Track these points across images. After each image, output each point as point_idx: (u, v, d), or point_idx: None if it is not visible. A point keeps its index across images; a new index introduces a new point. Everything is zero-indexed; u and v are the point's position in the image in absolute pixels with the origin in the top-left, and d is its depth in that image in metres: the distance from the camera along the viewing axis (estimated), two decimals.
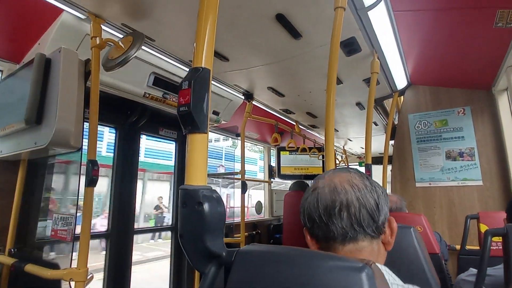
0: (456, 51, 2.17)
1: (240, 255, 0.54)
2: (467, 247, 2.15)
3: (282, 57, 2.02)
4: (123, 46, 1.54)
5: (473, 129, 2.52)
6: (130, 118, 2.49)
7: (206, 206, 0.58)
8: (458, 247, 2.33)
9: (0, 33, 1.73)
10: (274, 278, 0.47)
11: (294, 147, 3.69)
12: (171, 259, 2.84)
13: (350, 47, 1.88)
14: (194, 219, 0.58)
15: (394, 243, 0.68)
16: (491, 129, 2.47)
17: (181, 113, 0.62)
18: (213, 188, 0.61)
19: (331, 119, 1.35)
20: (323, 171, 4.46)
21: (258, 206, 4.16)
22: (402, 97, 3.00)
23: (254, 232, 3.83)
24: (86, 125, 1.50)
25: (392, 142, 2.95)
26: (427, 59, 2.40)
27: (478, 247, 2.11)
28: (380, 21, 1.73)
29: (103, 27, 1.60)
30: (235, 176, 3.48)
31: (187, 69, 2.33)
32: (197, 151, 0.63)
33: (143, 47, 1.92)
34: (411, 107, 2.85)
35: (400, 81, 2.67)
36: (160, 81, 2.25)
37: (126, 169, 2.47)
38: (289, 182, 4.85)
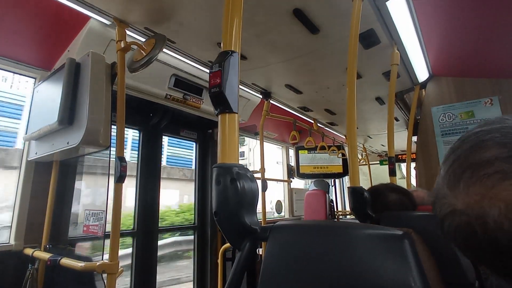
0: (480, 38, 2.09)
1: (276, 230, 0.55)
2: None
3: (300, 53, 2.03)
4: (146, 48, 1.61)
5: None
6: (152, 120, 2.57)
7: (240, 183, 0.59)
8: None
9: (32, 42, 1.85)
10: (312, 249, 0.48)
11: (312, 145, 3.66)
12: (194, 257, 2.89)
13: (368, 39, 1.86)
14: (228, 195, 0.60)
15: (423, 233, 0.63)
16: None
17: (212, 94, 0.65)
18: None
19: (353, 114, 1.35)
20: (343, 169, 4.40)
21: (278, 206, 4.16)
22: (423, 90, 2.92)
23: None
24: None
25: (414, 138, 2.87)
26: (450, 49, 2.33)
27: None
28: (399, 10, 1.70)
29: (126, 31, 1.67)
30: (255, 175, 3.50)
31: (207, 71, 2.40)
32: (229, 130, 0.65)
33: (164, 50, 1.99)
34: (434, 99, 2.77)
35: (422, 73, 2.61)
36: (180, 83, 2.31)
37: (150, 170, 2.55)
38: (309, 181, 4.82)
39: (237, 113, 0.67)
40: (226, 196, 0.60)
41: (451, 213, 0.41)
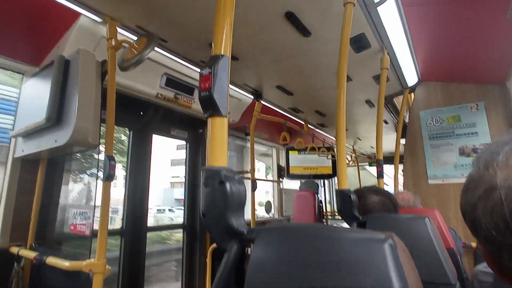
0: (468, 45, 2.15)
1: (262, 232, 0.56)
2: None
3: (291, 54, 2.04)
4: (137, 47, 1.60)
5: (487, 125, 2.48)
6: (143, 119, 2.55)
7: (227, 185, 0.61)
8: (474, 244, 2.29)
9: (20, 37, 1.81)
10: (297, 252, 0.49)
11: (303, 146, 3.69)
12: (182, 256, 2.88)
13: (359, 43, 1.89)
14: (216, 197, 0.61)
15: (408, 234, 0.67)
16: (507, 124, 2.43)
17: (202, 97, 0.66)
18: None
19: (342, 116, 1.37)
20: (333, 170, 4.44)
21: (268, 206, 4.18)
22: (412, 94, 2.98)
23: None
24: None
25: (403, 141, 2.93)
26: (438, 54, 2.38)
27: None
28: (390, 16, 1.73)
29: (118, 29, 1.66)
30: (245, 175, 3.51)
31: (198, 70, 2.40)
32: (217, 133, 0.66)
33: (155, 48, 1.98)
34: (422, 103, 2.83)
35: (411, 78, 2.66)
36: (172, 82, 2.31)
37: (139, 169, 2.53)
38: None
39: (226, 116, 0.68)
40: (213, 198, 0.61)
41: (487, 192, 0.39)
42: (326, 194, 5.53)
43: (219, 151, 0.66)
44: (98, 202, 1.43)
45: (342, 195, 1.17)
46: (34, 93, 1.69)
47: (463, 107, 2.61)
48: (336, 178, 5.42)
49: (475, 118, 2.53)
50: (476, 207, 0.41)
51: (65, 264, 1.37)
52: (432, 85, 2.80)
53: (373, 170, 7.30)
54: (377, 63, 2.08)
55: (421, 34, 2.07)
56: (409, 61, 2.38)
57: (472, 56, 2.30)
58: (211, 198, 0.61)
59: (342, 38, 1.48)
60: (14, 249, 1.69)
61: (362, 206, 1.28)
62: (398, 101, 3.32)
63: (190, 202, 2.96)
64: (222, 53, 0.69)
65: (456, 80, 2.69)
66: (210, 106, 0.66)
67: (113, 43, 1.56)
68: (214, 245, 2.58)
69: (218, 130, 0.66)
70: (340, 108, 1.38)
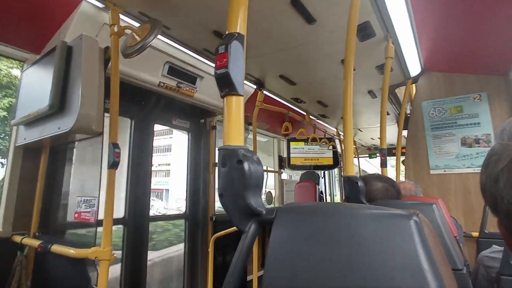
0: (472, 35, 2.13)
1: (282, 212, 0.55)
2: (487, 230, 2.15)
3: (295, 43, 2.02)
4: (140, 34, 1.57)
5: (489, 115, 2.48)
6: (144, 108, 2.53)
7: (246, 165, 0.60)
8: (474, 233, 2.32)
9: (21, 24, 1.78)
10: (319, 230, 0.49)
11: (304, 137, 3.69)
12: (185, 247, 2.89)
13: (364, 31, 1.87)
14: (234, 177, 0.60)
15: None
16: (509, 114, 2.43)
17: (218, 76, 0.65)
18: None
19: (349, 105, 1.36)
20: (333, 161, 4.45)
21: (269, 197, 4.19)
22: (414, 85, 2.97)
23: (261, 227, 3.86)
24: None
25: (404, 132, 2.94)
26: (442, 44, 2.37)
27: (498, 231, 2.09)
28: (396, 3, 1.71)
29: (120, 16, 1.63)
30: None
31: (201, 59, 2.37)
32: (234, 112, 0.65)
33: (158, 36, 1.95)
34: (425, 94, 2.82)
35: (414, 68, 2.65)
36: (174, 71, 2.28)
37: (141, 159, 2.52)
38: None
39: (242, 95, 0.67)
40: (231, 178, 0.60)
41: (511, 163, 0.37)
42: (326, 185, 5.55)
43: (236, 131, 0.65)
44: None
45: (350, 182, 1.17)
46: (36, 81, 1.67)
47: (466, 97, 2.60)
48: (336, 169, 5.45)
49: (478, 108, 2.53)
50: (498, 180, 0.39)
51: (70, 251, 1.38)
52: (435, 76, 2.79)
53: (371, 161, 7.32)
54: (381, 52, 2.07)
55: (426, 23, 2.05)
56: (413, 50, 2.37)
57: (475, 46, 2.29)
58: (229, 178, 0.61)
59: (349, 25, 1.46)
60: (17, 238, 1.69)
61: (366, 193, 1.28)
62: (399, 92, 3.32)
63: (192, 192, 2.96)
64: (238, 31, 0.67)
65: (459, 70, 2.68)
66: (227, 85, 0.65)
67: (116, 30, 1.54)
68: (216, 234, 2.59)
69: (235, 109, 0.65)
70: (347, 97, 1.37)
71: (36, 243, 1.57)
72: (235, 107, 0.66)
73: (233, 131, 0.65)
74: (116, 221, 2.43)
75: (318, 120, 4.20)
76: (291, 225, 0.52)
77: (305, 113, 3.70)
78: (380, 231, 0.44)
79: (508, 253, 1.10)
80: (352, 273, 0.43)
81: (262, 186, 0.63)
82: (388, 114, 3.79)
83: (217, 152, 3.15)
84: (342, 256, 0.45)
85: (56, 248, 1.45)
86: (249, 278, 2.74)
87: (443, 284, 0.38)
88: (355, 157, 5.87)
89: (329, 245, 0.46)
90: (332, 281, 0.44)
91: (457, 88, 2.67)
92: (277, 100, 3.27)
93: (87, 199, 1.52)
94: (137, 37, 1.56)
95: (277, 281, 0.49)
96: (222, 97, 0.67)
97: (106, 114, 1.52)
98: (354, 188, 1.16)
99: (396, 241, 0.42)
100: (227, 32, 0.69)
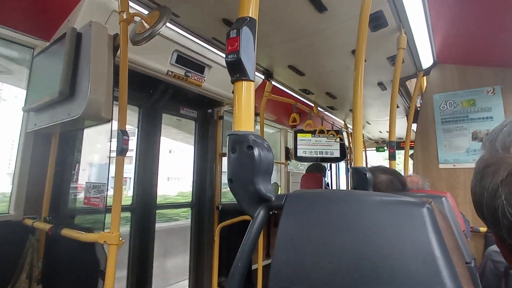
0: (487, 26, 2.06)
1: (291, 198, 0.55)
2: None
3: (305, 32, 1.99)
4: (149, 21, 1.56)
5: (503, 109, 2.42)
6: (152, 97, 2.53)
7: (256, 150, 0.59)
8: (482, 229, 2.29)
9: (30, 11, 1.78)
10: (330, 217, 0.48)
11: (312, 129, 3.67)
12: (190, 235, 2.93)
13: (376, 21, 1.83)
14: (244, 163, 0.60)
15: None
16: None
17: (229, 60, 0.64)
18: None
19: (360, 96, 1.34)
20: (340, 154, 4.44)
21: (275, 187, 4.20)
22: (425, 78, 2.91)
23: (270, 213, 3.89)
24: None
25: (413, 126, 2.89)
26: (456, 35, 2.30)
27: None
28: None
29: (129, 3, 1.62)
30: None
31: (210, 48, 2.35)
32: (245, 98, 0.65)
33: (168, 24, 1.94)
34: (436, 87, 2.76)
35: (426, 60, 2.59)
36: (182, 59, 2.27)
37: (149, 147, 2.54)
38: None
39: (253, 81, 0.66)
40: (241, 163, 0.60)
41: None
42: (333, 177, 5.54)
43: (246, 116, 0.64)
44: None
45: (358, 173, 1.16)
46: (46, 67, 1.68)
47: (479, 90, 2.54)
48: (343, 162, 5.42)
49: (491, 102, 2.47)
50: (497, 194, 0.36)
51: (80, 235, 1.41)
52: (448, 68, 2.72)
53: (378, 155, 7.26)
54: (393, 43, 2.02)
55: (441, 13, 1.99)
56: (426, 42, 2.31)
57: (490, 37, 2.22)
58: (238, 164, 0.60)
59: (361, 14, 1.43)
60: (29, 221, 1.73)
61: None
62: (409, 84, 3.26)
63: (198, 181, 2.99)
64: (250, 15, 0.66)
65: (472, 63, 2.61)
66: (238, 70, 0.64)
67: (125, 16, 1.53)
68: (222, 223, 2.62)
69: (245, 95, 0.65)
70: (357, 88, 1.35)
71: (46, 226, 1.61)
72: (246, 92, 0.65)
73: (244, 117, 0.64)
74: (124, 208, 2.48)
75: (326, 112, 4.17)
76: (300, 211, 0.52)
77: (313, 105, 3.67)
78: (391, 218, 0.43)
79: None
80: (363, 260, 0.43)
81: (271, 173, 0.62)
82: (397, 107, 3.74)
83: (223, 142, 3.17)
84: (352, 243, 0.44)
85: (66, 232, 1.48)
86: (253, 267, 2.77)
87: (455, 272, 0.38)
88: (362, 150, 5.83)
89: (339, 232, 0.46)
90: (342, 268, 0.44)
91: (470, 81, 2.60)
92: (285, 91, 3.24)
93: (96, 185, 1.54)
94: (146, 24, 1.55)
95: (286, 267, 0.49)
96: (233, 82, 0.67)
97: (115, 103, 1.53)
98: (362, 179, 1.15)
99: (408, 228, 0.42)
100: (238, 17, 0.68)
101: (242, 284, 0.55)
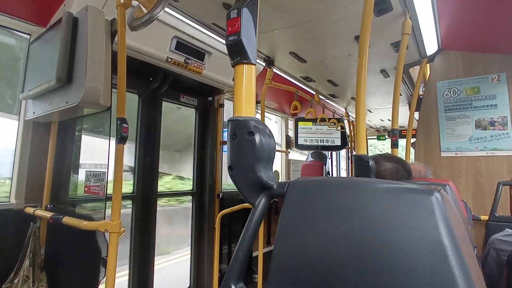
0: (494, 11, 2.01)
1: (294, 186, 0.53)
2: (497, 213, 2.14)
3: (308, 18, 1.94)
4: (148, 5, 1.52)
5: (507, 97, 2.38)
6: (152, 84, 2.50)
7: (257, 136, 0.57)
8: (482, 217, 2.30)
9: None
10: (333, 205, 0.47)
11: (313, 116, 3.64)
12: (192, 224, 2.95)
13: (381, 5, 1.77)
14: (245, 149, 0.58)
15: None
16: None
17: (230, 42, 0.61)
18: None
19: (363, 84, 1.31)
20: (341, 142, 4.42)
21: (276, 176, 4.21)
22: (428, 65, 2.86)
23: (271, 201, 3.91)
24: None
25: (416, 114, 2.86)
26: (462, 21, 2.25)
27: (509, 214, 2.08)
28: None
29: None
30: None
31: (210, 34, 2.30)
32: (246, 82, 0.62)
33: (167, 9, 1.89)
34: (440, 74, 2.71)
35: (430, 46, 2.53)
36: (182, 46, 2.23)
37: (149, 135, 2.53)
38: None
39: (255, 64, 0.63)
40: (242, 150, 0.58)
41: None
42: (334, 165, 5.54)
43: (247, 101, 0.62)
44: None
45: (360, 161, 1.15)
46: (42, 54, 1.65)
47: (484, 78, 2.50)
48: (344, 150, 5.41)
49: (496, 89, 2.43)
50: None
51: (81, 223, 1.41)
52: (453, 55, 2.67)
53: (378, 144, 7.24)
54: (397, 29, 1.97)
55: None
56: (431, 27, 2.25)
57: (497, 23, 2.16)
58: (239, 150, 0.58)
59: None
60: (30, 210, 1.73)
61: (375, 174, 1.26)
62: (413, 72, 3.20)
63: (199, 169, 2.98)
64: None
65: (478, 49, 2.56)
66: (238, 52, 0.61)
67: (122, 1, 1.49)
68: (223, 211, 2.63)
69: (246, 78, 0.62)
70: (361, 75, 1.32)
71: (48, 215, 1.61)
72: (247, 76, 0.62)
73: (245, 101, 0.62)
74: (125, 197, 2.48)
75: (327, 100, 4.13)
76: (303, 198, 0.50)
77: (314, 93, 3.62)
78: (397, 206, 0.42)
79: None
80: (366, 248, 0.42)
81: (273, 160, 0.60)
82: (400, 95, 3.69)
83: (224, 131, 3.15)
84: (357, 231, 0.43)
85: (67, 220, 1.48)
86: (254, 254, 2.80)
87: (465, 262, 0.37)
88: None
89: (342, 219, 0.45)
90: (345, 256, 0.43)
91: (475, 68, 2.56)
92: (286, 79, 3.20)
93: (96, 173, 1.53)
94: (144, 9, 1.51)
95: (288, 255, 0.48)
96: (233, 66, 0.64)
97: (114, 90, 1.50)
98: (364, 167, 1.14)
99: (415, 217, 0.40)
100: None
101: (243, 272, 0.55)
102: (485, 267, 1.29)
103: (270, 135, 0.60)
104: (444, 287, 0.36)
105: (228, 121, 0.62)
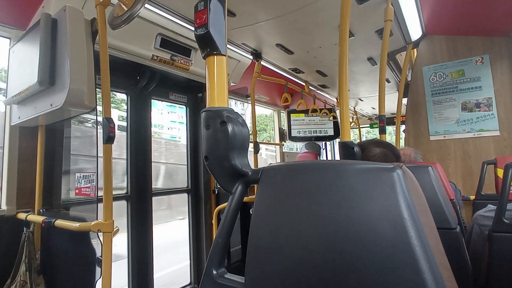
0: None
1: (267, 171, 0.55)
2: (483, 192, 2.19)
3: (291, 8, 1.93)
4: (127, 3, 1.50)
5: (491, 78, 2.42)
6: (139, 83, 2.49)
7: (230, 126, 0.58)
8: (472, 197, 2.34)
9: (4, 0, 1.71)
10: (304, 186, 0.48)
11: (304, 108, 3.65)
12: (189, 220, 2.96)
13: None
14: (218, 138, 0.59)
15: (420, 182, 0.65)
16: (511, 77, 2.37)
17: (198, 34, 0.62)
18: None
19: (345, 72, 1.32)
20: (334, 132, 4.45)
21: None
22: (415, 50, 2.88)
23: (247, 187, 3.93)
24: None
25: (404, 100, 2.89)
26: (444, 6, 2.26)
27: (494, 192, 2.13)
28: None
29: None
30: None
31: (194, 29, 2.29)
32: (217, 73, 0.63)
33: (148, 6, 1.87)
34: (426, 59, 2.74)
35: (415, 32, 2.55)
36: (167, 43, 2.21)
37: (140, 133, 2.52)
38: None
39: (225, 55, 0.64)
40: (216, 139, 0.59)
41: None
42: (328, 156, 5.57)
43: (219, 92, 0.63)
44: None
45: (345, 147, 1.16)
46: (24, 57, 1.63)
47: (468, 61, 2.53)
48: (338, 140, 5.44)
49: (480, 71, 2.46)
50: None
51: (74, 225, 1.41)
52: (437, 39, 2.69)
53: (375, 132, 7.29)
54: (380, 16, 1.98)
55: None
56: (414, 13, 2.27)
57: (479, 6, 2.18)
58: (213, 140, 0.60)
59: None
60: (22, 215, 1.72)
61: (364, 159, 1.27)
62: (400, 58, 3.23)
63: (194, 166, 2.99)
64: None
65: (461, 32, 2.58)
66: (208, 44, 0.62)
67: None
68: (219, 207, 2.64)
69: (217, 69, 0.63)
70: (342, 64, 1.33)
71: (40, 219, 1.61)
72: (218, 67, 0.63)
73: (217, 92, 0.63)
74: (119, 197, 2.48)
75: (318, 91, 4.14)
76: (275, 182, 0.52)
77: (304, 84, 3.63)
78: (362, 184, 0.44)
79: (500, 211, 1.11)
80: (334, 225, 0.43)
81: (247, 147, 0.62)
82: (388, 81, 3.72)
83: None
84: (324, 210, 0.45)
85: (60, 222, 1.48)
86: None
87: (423, 231, 0.38)
88: (356, 127, 5.84)
89: (313, 200, 0.46)
90: (314, 234, 0.45)
91: (459, 52, 2.59)
92: (276, 71, 3.20)
93: (86, 175, 1.53)
94: (123, 6, 1.50)
95: (262, 237, 0.49)
96: (204, 57, 0.64)
97: (99, 90, 1.50)
98: (349, 153, 1.15)
99: (378, 193, 0.42)
100: None
101: (224, 258, 0.56)
102: (471, 242, 1.33)
103: (243, 124, 0.61)
104: (404, 257, 0.38)
105: (201, 112, 0.63)
